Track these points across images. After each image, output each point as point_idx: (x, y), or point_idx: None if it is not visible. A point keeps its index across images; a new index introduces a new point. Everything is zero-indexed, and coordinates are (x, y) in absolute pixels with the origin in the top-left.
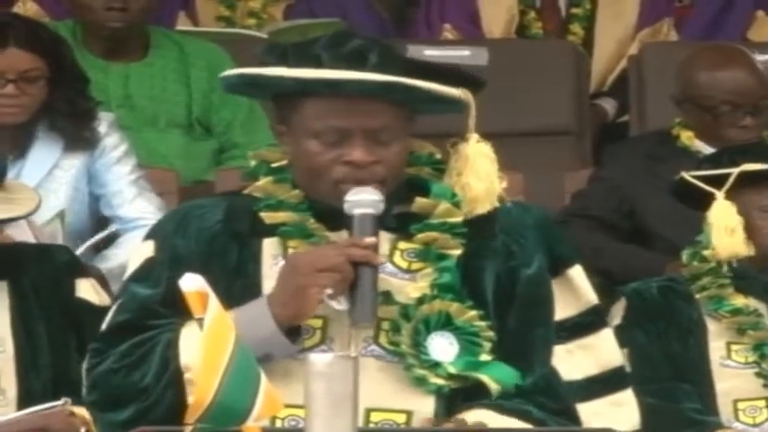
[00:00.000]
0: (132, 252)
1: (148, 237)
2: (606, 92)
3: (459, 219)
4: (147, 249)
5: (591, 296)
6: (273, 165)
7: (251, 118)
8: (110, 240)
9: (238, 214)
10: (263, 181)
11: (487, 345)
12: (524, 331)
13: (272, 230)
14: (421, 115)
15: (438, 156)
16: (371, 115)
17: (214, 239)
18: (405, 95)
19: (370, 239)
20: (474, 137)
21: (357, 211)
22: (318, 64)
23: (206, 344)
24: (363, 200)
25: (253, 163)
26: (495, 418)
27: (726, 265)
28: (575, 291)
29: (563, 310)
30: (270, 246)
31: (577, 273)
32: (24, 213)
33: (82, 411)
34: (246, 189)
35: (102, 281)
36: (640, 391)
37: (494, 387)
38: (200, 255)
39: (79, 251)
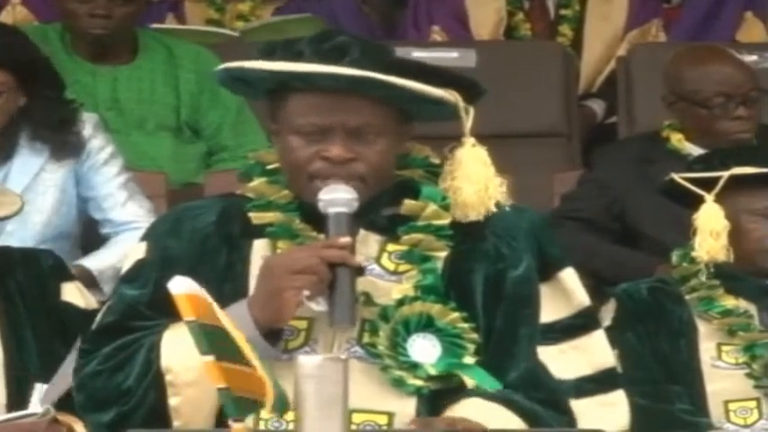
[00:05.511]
0: (128, 253)
1: (143, 238)
2: (595, 93)
3: (445, 221)
4: (140, 250)
5: (583, 298)
6: (269, 167)
7: (240, 120)
8: (100, 242)
9: (231, 215)
10: (257, 182)
11: (471, 347)
12: (510, 329)
13: (262, 232)
14: (424, 122)
15: (435, 159)
16: (352, 112)
17: (206, 240)
18: (385, 92)
19: (344, 239)
20: (470, 141)
21: (331, 210)
22: (300, 59)
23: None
24: (337, 198)
25: (249, 163)
26: (481, 405)
27: (712, 267)
28: (566, 293)
29: (555, 312)
30: (260, 247)
31: (569, 275)
32: (7, 215)
33: (67, 418)
34: (240, 190)
35: (91, 281)
36: (631, 393)
37: (470, 384)
38: (191, 256)
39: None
